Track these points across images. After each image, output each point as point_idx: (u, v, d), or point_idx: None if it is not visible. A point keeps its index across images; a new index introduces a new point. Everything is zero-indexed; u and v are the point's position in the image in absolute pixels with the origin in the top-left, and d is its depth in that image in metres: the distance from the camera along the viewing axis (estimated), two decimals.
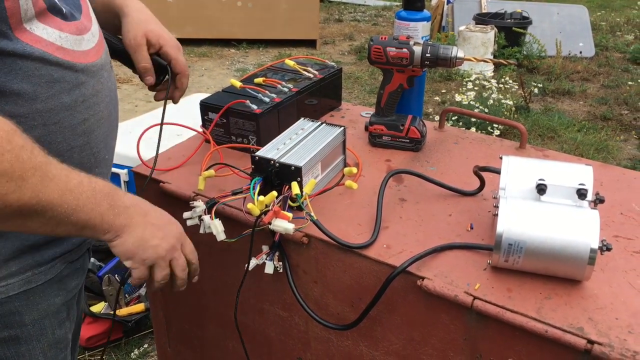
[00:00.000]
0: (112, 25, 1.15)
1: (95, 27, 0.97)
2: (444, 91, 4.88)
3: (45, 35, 0.84)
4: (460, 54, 1.22)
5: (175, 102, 1.24)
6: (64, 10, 0.88)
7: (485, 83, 4.63)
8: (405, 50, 1.23)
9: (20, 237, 0.88)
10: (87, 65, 0.92)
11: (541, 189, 0.94)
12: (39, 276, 0.92)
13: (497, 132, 3.90)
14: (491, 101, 4.22)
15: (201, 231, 1.08)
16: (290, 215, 0.99)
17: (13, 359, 0.95)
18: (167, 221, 0.92)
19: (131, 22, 1.13)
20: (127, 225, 0.87)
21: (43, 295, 0.94)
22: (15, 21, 0.79)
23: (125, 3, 1.15)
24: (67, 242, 0.96)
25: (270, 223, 0.99)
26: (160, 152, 1.33)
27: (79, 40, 0.90)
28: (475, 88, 4.54)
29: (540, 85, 4.87)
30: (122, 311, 2.20)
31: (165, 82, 1.21)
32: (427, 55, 1.22)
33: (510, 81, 4.78)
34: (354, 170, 1.16)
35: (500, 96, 4.35)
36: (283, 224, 0.98)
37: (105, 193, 0.84)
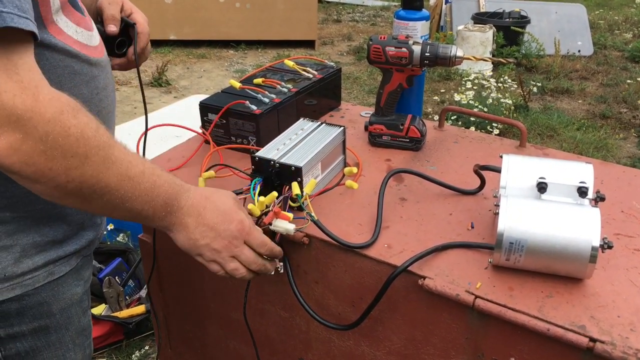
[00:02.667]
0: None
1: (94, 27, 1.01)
2: (442, 91, 4.89)
3: (66, 28, 0.87)
4: (460, 53, 1.22)
5: (138, 65, 1.23)
6: (79, 4, 0.92)
7: (484, 82, 4.63)
8: (404, 49, 1.23)
9: (40, 233, 0.91)
10: (98, 60, 0.96)
11: (542, 187, 0.94)
12: (60, 267, 0.96)
13: (496, 132, 3.90)
14: (490, 100, 4.22)
15: None
16: (290, 215, 0.99)
17: (45, 348, 0.98)
18: (222, 220, 0.90)
19: None
20: (176, 224, 0.89)
21: (66, 285, 0.98)
22: (45, 11, 0.81)
23: None
24: (83, 239, 1.00)
25: (270, 224, 0.99)
26: (159, 153, 1.33)
27: (90, 36, 0.94)
28: (474, 87, 4.53)
29: (539, 84, 4.87)
30: (123, 313, 2.20)
31: (125, 52, 1.23)
32: (426, 54, 1.22)
33: (509, 80, 4.78)
34: (354, 170, 1.16)
35: (499, 95, 4.35)
36: (284, 225, 0.98)
37: (164, 189, 0.85)
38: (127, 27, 1.19)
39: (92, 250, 1.05)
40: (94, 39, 0.96)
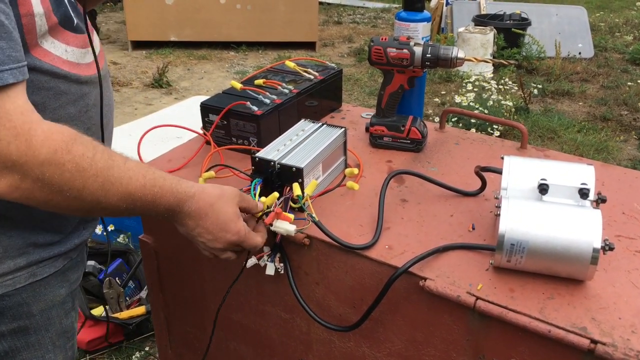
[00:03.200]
0: None
1: (96, 39, 1.01)
2: (443, 92, 4.88)
3: (53, 49, 0.87)
4: (461, 55, 1.22)
5: None
6: (74, 22, 0.91)
7: (485, 84, 4.63)
8: (405, 50, 1.23)
9: (22, 236, 0.91)
10: (91, 77, 0.95)
11: (543, 188, 0.94)
12: (43, 269, 0.96)
13: (497, 133, 3.90)
14: (491, 102, 4.21)
15: None
16: (291, 216, 0.99)
17: (23, 349, 0.97)
18: (220, 229, 0.94)
19: None
20: (177, 222, 0.94)
21: (48, 287, 0.97)
22: (31, 38, 0.82)
23: None
24: (68, 243, 0.99)
25: (271, 224, 0.99)
26: (161, 154, 1.33)
27: (83, 54, 0.94)
28: (475, 89, 4.53)
29: (540, 86, 4.87)
30: (123, 314, 2.20)
31: None
32: (427, 55, 1.22)
33: (510, 82, 4.77)
34: (355, 171, 1.16)
35: (500, 97, 4.35)
36: (284, 226, 0.98)
37: (165, 200, 0.89)
38: None
39: (79, 253, 1.04)
40: (88, 55, 0.96)
